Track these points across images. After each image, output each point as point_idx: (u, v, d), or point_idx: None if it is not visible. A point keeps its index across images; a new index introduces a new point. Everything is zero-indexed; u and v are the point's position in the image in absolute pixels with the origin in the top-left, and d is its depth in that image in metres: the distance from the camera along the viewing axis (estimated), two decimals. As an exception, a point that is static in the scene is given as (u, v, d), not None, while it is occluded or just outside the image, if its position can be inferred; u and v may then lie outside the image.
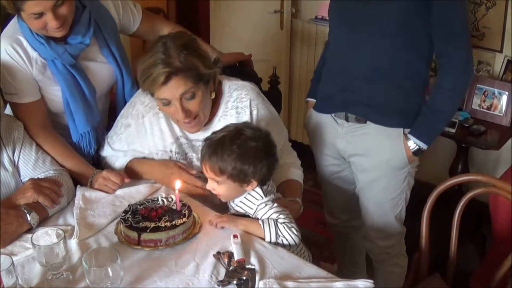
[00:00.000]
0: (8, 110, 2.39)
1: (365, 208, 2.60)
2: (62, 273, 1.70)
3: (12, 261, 1.57)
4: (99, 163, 2.50)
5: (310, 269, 1.75)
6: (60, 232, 1.70)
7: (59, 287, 1.66)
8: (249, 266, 1.71)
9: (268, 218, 1.94)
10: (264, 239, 1.89)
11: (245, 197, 2.00)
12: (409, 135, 2.36)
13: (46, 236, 1.72)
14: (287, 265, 1.75)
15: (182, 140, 2.29)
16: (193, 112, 2.13)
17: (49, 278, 1.69)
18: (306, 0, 4.61)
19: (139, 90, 2.31)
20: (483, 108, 3.39)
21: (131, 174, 2.30)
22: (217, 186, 1.98)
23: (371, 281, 1.65)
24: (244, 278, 1.64)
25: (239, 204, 2.01)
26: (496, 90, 3.37)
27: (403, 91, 2.35)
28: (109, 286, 1.55)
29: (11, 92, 2.27)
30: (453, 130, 3.17)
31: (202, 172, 2.06)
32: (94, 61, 2.43)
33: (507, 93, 3.31)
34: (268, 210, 1.95)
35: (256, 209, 1.98)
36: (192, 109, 2.12)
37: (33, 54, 2.25)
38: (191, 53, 2.08)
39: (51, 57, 2.25)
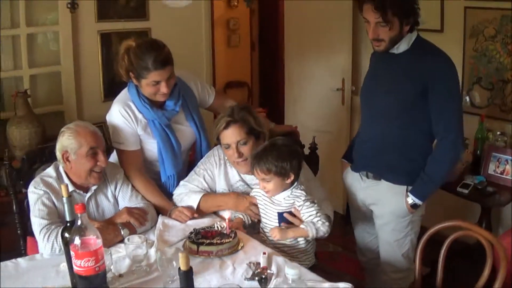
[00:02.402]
0: (112, 158, 3.17)
1: (380, 246, 3.28)
2: (142, 266, 2.47)
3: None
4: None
5: (311, 275, 2.43)
6: (143, 237, 2.50)
7: (139, 275, 2.43)
8: (269, 271, 2.42)
9: (309, 222, 2.72)
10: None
11: (291, 195, 2.77)
12: (408, 193, 3.04)
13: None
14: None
15: (240, 183, 3.07)
16: (245, 155, 2.95)
17: (133, 268, 2.46)
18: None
19: (212, 150, 3.17)
20: (497, 173, 3.92)
21: (204, 206, 3.05)
22: (267, 184, 2.76)
23: (350, 284, 2.32)
24: (264, 276, 2.36)
25: (286, 199, 2.78)
26: (508, 158, 3.88)
27: (408, 158, 3.04)
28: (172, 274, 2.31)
29: (119, 142, 3.08)
30: (466, 191, 3.74)
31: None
32: (181, 124, 3.25)
33: (517, 159, 3.84)
34: (313, 210, 2.74)
35: (303, 205, 2.74)
36: (244, 152, 2.96)
37: (139, 115, 3.08)
38: (247, 112, 2.99)
39: (152, 118, 3.07)
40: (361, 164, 3.22)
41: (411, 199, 3.03)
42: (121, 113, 3.07)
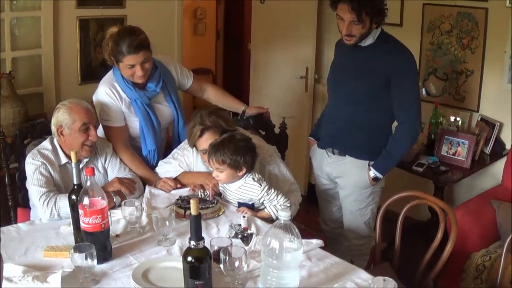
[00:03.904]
0: (99, 133, 3.33)
1: (344, 215, 3.63)
2: (136, 227, 2.74)
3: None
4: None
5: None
6: (136, 201, 2.78)
7: (133, 235, 2.71)
8: (250, 231, 2.74)
9: (272, 206, 2.98)
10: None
11: (244, 185, 3.02)
12: (370, 167, 3.39)
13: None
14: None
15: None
16: None
17: (128, 230, 2.74)
18: (327, 68, 5.58)
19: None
20: (449, 154, 4.31)
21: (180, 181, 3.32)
22: (220, 173, 2.99)
23: (322, 241, 2.64)
24: (246, 235, 2.67)
25: (238, 190, 3.03)
26: (460, 140, 4.29)
27: (371, 137, 3.40)
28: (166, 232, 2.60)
29: (107, 119, 3.33)
30: (421, 169, 4.12)
31: None
32: (161, 104, 3.51)
33: (467, 142, 4.24)
34: (272, 196, 2.98)
35: (262, 197, 2.99)
36: None
37: (123, 95, 3.33)
38: (215, 116, 3.14)
39: (134, 97, 3.33)
40: (328, 142, 3.57)
41: (373, 173, 3.39)
42: (107, 93, 3.33)
